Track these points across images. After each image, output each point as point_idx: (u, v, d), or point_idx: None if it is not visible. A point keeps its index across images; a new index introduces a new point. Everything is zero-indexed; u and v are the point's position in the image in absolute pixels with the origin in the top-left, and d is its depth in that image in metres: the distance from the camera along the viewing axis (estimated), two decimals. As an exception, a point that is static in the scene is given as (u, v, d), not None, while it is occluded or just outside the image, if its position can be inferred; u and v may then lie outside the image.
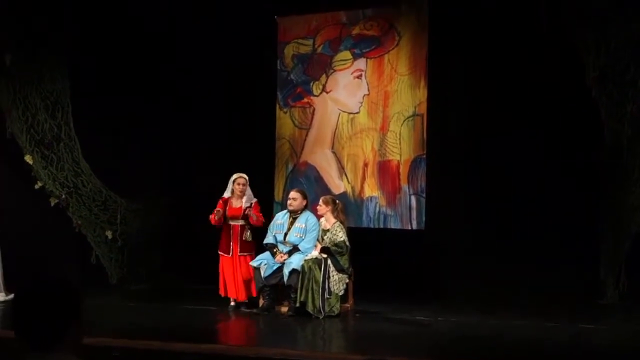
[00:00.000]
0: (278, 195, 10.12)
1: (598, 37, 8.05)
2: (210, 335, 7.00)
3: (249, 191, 8.11)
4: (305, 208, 7.96)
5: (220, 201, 8.13)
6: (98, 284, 9.34)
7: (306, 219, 7.86)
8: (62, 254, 9.56)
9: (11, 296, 8.35)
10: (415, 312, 7.79)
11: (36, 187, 9.66)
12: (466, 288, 8.65)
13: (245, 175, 8.08)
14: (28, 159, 9.55)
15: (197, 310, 8.04)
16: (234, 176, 8.09)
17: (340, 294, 7.65)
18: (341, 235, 7.65)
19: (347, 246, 7.66)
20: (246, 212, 8.00)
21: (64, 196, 9.66)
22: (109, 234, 9.84)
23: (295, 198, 7.93)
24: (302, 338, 7.04)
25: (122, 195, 9.97)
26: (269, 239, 7.96)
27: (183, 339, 6.30)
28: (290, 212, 7.95)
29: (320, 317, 7.42)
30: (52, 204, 9.71)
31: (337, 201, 8.04)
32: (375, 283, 8.40)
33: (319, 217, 7.92)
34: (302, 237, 7.79)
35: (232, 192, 8.10)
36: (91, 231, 9.89)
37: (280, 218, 8.05)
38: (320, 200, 7.98)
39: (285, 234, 7.87)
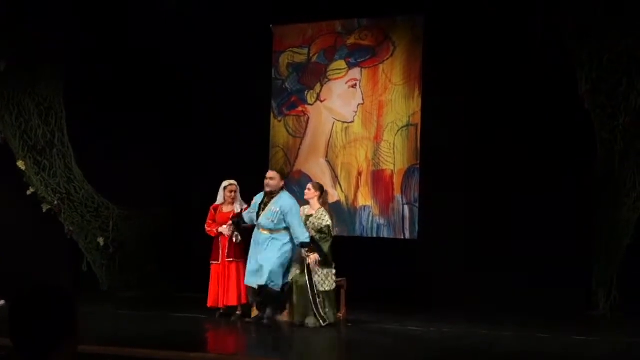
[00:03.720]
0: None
1: (592, 51, 8.11)
2: (200, 344, 6.97)
3: (239, 197, 8.11)
4: (282, 189, 7.72)
5: (212, 209, 8.13)
6: (89, 291, 9.29)
7: (280, 204, 7.57)
8: (53, 260, 9.52)
9: (2, 302, 8.29)
10: (407, 322, 7.78)
11: (28, 193, 9.62)
12: (458, 298, 8.66)
13: (235, 182, 8.10)
14: (20, 164, 9.50)
15: (188, 319, 8.00)
16: (225, 183, 8.12)
17: (332, 288, 7.48)
18: (327, 220, 7.52)
19: (330, 232, 7.53)
20: (235, 220, 7.94)
21: (56, 202, 9.62)
22: (100, 240, 9.81)
23: (272, 177, 7.65)
24: (293, 348, 7.01)
25: (114, 203, 9.94)
26: (244, 216, 7.86)
27: (173, 348, 6.27)
28: (267, 193, 7.67)
29: (323, 324, 7.33)
30: (44, 210, 9.67)
31: (325, 190, 8.01)
32: (367, 292, 8.38)
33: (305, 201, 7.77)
34: (274, 221, 7.52)
35: (224, 199, 8.12)
36: (83, 238, 9.85)
37: (257, 198, 7.80)
38: (310, 184, 7.86)
39: (258, 215, 7.65)
